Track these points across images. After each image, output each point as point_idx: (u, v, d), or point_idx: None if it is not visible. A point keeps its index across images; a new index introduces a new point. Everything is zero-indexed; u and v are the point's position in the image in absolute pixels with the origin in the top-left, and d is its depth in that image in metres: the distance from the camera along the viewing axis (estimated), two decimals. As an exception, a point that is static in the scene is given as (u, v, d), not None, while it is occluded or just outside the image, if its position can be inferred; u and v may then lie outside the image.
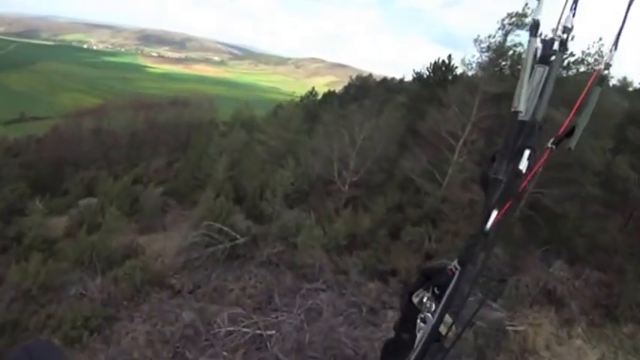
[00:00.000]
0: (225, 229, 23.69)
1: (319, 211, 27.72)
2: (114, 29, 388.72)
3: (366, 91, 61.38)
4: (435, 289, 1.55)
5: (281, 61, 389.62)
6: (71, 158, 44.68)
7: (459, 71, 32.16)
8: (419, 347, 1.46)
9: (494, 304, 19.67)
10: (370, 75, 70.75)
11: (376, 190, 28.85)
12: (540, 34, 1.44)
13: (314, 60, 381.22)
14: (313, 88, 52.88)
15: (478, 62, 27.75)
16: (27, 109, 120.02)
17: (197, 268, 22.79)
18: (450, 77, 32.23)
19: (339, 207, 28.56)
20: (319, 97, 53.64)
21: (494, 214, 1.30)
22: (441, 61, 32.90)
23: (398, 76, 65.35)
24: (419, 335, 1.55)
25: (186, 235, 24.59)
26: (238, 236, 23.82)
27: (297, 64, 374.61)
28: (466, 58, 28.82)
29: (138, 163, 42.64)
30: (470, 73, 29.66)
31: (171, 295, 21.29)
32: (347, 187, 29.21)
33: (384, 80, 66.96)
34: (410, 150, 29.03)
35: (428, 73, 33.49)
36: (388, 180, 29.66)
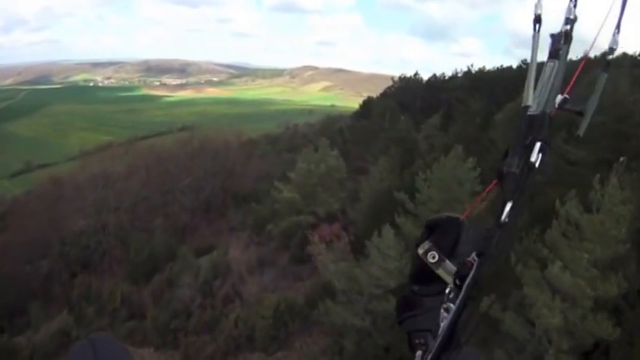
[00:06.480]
0: None
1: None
2: (117, 64, 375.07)
3: (414, 93, 47.24)
4: (457, 281, 1.31)
5: (276, 73, 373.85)
6: (59, 237, 30.07)
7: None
8: (440, 337, 1.26)
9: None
10: (416, 74, 54.57)
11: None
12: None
13: (307, 68, 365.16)
14: (368, 98, 37.61)
15: None
16: (35, 157, 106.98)
17: None
18: None
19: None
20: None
21: (509, 205, 1.16)
22: None
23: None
24: (442, 325, 1.31)
25: None
26: None
27: (292, 73, 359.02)
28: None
29: (151, 255, 27.68)
30: None
31: None
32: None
33: (433, 79, 52.44)
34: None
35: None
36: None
